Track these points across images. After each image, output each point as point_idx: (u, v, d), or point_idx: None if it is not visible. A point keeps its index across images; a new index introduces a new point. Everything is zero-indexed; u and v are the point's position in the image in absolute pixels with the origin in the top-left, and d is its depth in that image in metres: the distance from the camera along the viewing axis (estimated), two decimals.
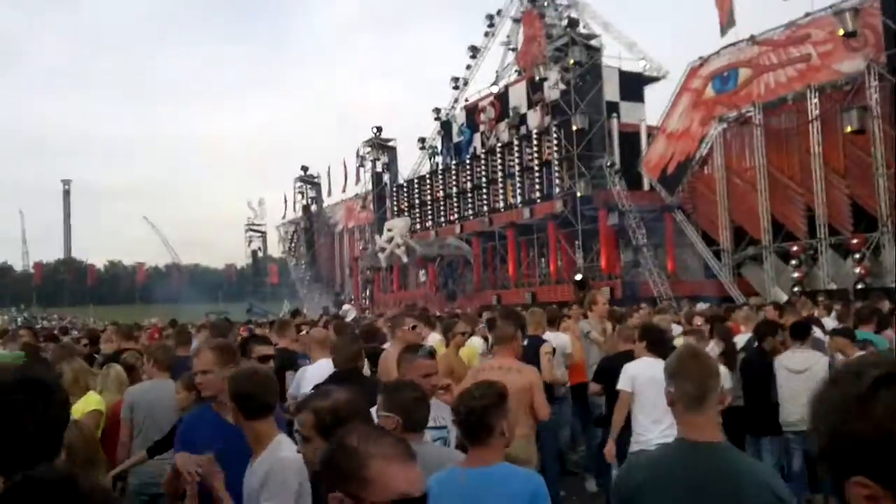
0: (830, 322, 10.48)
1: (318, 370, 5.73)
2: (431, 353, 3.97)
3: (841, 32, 21.47)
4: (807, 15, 23.34)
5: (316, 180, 51.20)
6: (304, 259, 51.69)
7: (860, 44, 21.47)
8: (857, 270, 21.37)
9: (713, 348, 7.79)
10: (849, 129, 21.38)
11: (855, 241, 21.69)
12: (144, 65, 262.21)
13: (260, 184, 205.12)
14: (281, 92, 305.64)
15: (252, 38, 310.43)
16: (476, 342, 8.03)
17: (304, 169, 50.84)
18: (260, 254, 59.89)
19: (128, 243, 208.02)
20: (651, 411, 5.23)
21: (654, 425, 5.17)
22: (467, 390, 2.93)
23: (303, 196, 51.22)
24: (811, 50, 23.36)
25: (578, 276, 27.71)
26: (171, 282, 77.47)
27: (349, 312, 23.60)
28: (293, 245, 53.42)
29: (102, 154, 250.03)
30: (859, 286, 20.52)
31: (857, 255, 21.55)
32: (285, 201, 54.67)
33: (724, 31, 26.07)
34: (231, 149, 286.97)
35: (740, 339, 7.70)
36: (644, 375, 5.33)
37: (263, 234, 58.40)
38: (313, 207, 51.32)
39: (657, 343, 5.62)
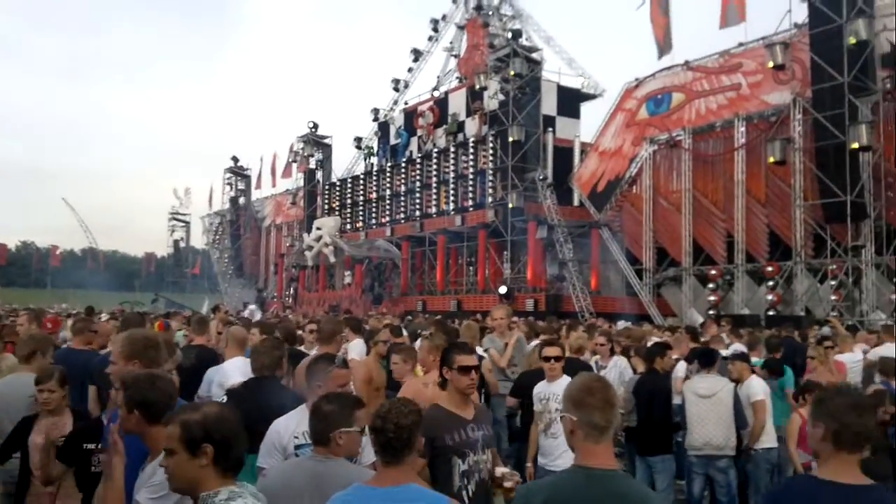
0: (740, 348, 10.56)
1: (231, 369, 5.39)
2: (345, 363, 3.95)
3: (770, 64, 22.01)
4: (740, 45, 23.89)
5: (246, 172, 49.98)
6: (227, 252, 50.28)
7: (788, 77, 22.07)
8: (770, 297, 21.88)
9: (617, 365, 7.78)
10: (771, 159, 21.91)
11: (770, 268, 22.22)
12: (70, 42, 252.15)
13: (187, 172, 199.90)
14: (215, 80, 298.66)
15: (188, 22, 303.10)
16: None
17: (235, 160, 49.58)
18: (182, 244, 58.15)
19: (45, 225, 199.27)
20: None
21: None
22: (392, 406, 2.81)
23: (231, 188, 49.91)
24: (742, 79, 23.93)
25: (503, 289, 27.69)
26: (86, 267, 74.28)
27: (255, 313, 22.82)
28: (217, 237, 51.95)
29: (23, 131, 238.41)
30: (771, 313, 21.02)
31: (771, 283, 22.08)
32: (212, 192, 53.31)
33: (661, 55, 26.51)
34: (160, 135, 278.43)
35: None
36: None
37: (187, 224, 56.83)
38: (241, 200, 50.03)
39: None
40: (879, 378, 7.54)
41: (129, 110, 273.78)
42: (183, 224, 57.69)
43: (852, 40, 19.55)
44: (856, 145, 19.39)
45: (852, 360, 8.94)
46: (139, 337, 3.84)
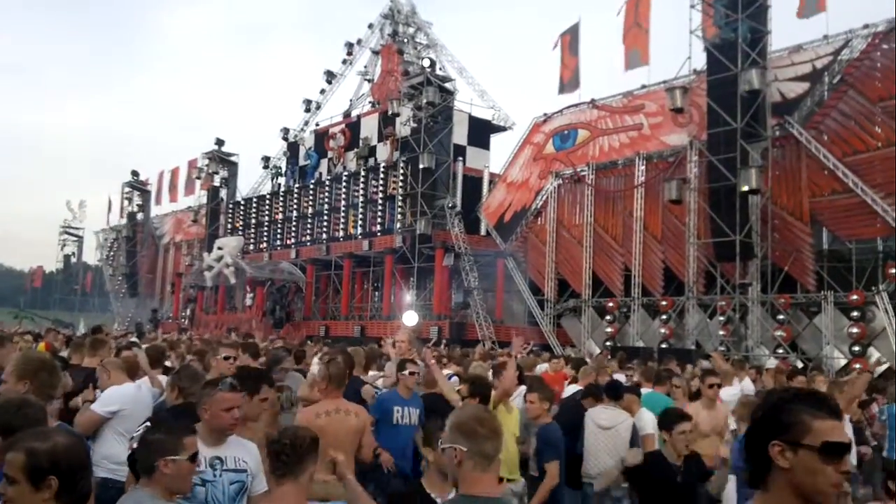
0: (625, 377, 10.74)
1: (123, 393, 5.02)
2: (233, 386, 3.76)
3: (670, 107, 22.95)
4: (642, 87, 24.86)
5: (146, 187, 48.00)
6: (122, 270, 47.92)
7: (686, 120, 23.05)
8: (663, 331, 22.56)
9: (521, 394, 7.67)
10: (668, 198, 22.74)
11: (664, 302, 22.94)
12: None
13: (84, 185, 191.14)
14: (118, 92, 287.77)
15: (91, 27, 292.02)
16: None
17: (135, 174, 47.58)
18: (73, 259, 55.15)
19: None
20: None
21: None
22: (290, 427, 3.08)
23: (129, 202, 47.74)
24: (643, 120, 24.85)
25: (410, 317, 27.31)
26: None
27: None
28: (112, 253, 49.54)
29: None
30: (663, 346, 21.63)
31: (664, 317, 22.78)
32: (109, 206, 50.89)
33: (563, 90, 27.26)
34: (55, 144, 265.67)
35: (569, 390, 8.22)
36: None
37: (80, 239, 54.01)
38: (140, 216, 47.94)
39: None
40: None
41: (21, 117, 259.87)
42: (75, 238, 54.88)
43: (746, 88, 20.62)
44: (745, 188, 20.34)
45: (729, 393, 9.11)
46: (33, 358, 3.83)
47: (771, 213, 21.10)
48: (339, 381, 5.20)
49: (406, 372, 6.39)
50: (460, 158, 31.50)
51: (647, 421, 6.70)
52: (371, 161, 34.07)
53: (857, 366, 18.13)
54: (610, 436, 6.38)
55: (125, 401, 4.91)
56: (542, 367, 11.43)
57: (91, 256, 56.93)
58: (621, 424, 6.44)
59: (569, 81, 26.94)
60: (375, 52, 38.53)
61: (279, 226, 37.40)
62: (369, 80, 38.76)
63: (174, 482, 2.91)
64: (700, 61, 22.48)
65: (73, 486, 2.12)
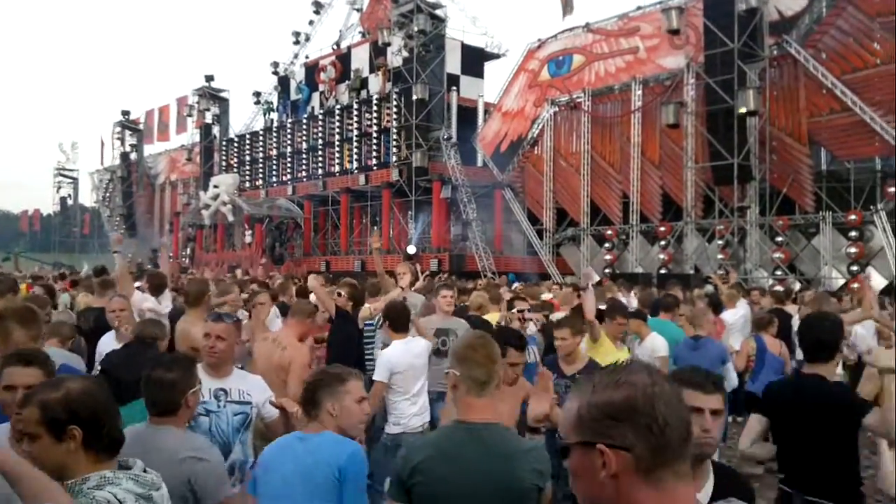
0: (633, 302, 10.88)
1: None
2: (219, 317, 3.93)
3: (666, 29, 22.49)
4: (638, 8, 24.30)
5: (138, 126, 47.36)
6: (119, 211, 47.78)
7: (683, 41, 22.63)
8: (662, 256, 22.73)
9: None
10: (665, 122, 22.52)
11: (662, 228, 23.04)
12: None
13: (74, 126, 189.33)
14: (103, 24, 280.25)
15: None
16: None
17: (125, 113, 46.74)
18: (70, 201, 54.91)
19: None
20: (408, 392, 5.34)
21: (412, 406, 5.34)
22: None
23: (122, 142, 47.15)
24: (639, 43, 24.39)
25: (411, 248, 27.55)
26: None
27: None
28: (108, 195, 49.28)
29: None
30: (662, 271, 21.84)
31: (663, 242, 22.91)
32: (102, 146, 50.32)
33: (564, 14, 26.63)
34: (41, 84, 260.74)
35: (555, 317, 7.92)
36: (402, 362, 5.32)
37: (75, 181, 53.62)
38: (133, 155, 47.40)
39: (397, 321, 5.55)
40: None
41: (4, 55, 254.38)
42: (70, 180, 54.52)
43: (743, 7, 20.17)
44: (743, 110, 20.15)
45: (733, 316, 9.23)
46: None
47: (769, 135, 20.97)
48: (297, 314, 5.31)
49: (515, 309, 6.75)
50: (454, 88, 30.96)
51: (660, 344, 6.67)
52: (363, 93, 33.52)
53: (856, 285, 18.41)
54: None
55: None
56: (546, 296, 11.56)
57: (87, 198, 56.82)
58: None
59: (568, 3, 26.27)
60: None
61: (274, 162, 37.11)
62: (358, 10, 37.70)
63: (192, 412, 3.03)
64: None
65: (98, 431, 1.98)
